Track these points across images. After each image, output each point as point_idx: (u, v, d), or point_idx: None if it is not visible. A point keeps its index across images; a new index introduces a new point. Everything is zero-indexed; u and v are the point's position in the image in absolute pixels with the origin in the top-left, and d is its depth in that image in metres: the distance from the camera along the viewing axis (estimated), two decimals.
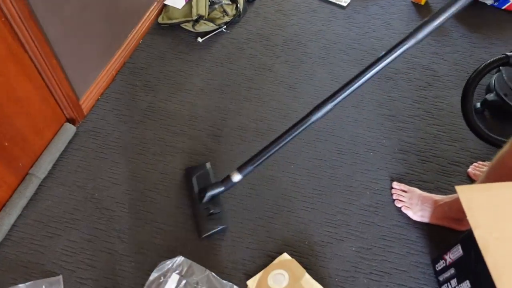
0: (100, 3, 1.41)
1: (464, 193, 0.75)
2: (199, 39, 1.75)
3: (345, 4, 1.95)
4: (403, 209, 1.22)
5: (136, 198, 1.30)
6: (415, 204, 1.21)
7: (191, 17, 1.73)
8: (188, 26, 1.76)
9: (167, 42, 1.75)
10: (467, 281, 0.95)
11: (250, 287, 1.09)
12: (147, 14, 1.77)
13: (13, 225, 1.23)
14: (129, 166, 1.37)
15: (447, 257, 1.05)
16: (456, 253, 1.00)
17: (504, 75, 1.48)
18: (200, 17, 1.73)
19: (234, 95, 1.57)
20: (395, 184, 1.28)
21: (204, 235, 1.18)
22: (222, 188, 1.19)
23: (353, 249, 1.18)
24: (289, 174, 1.35)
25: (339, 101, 1.01)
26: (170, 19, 1.78)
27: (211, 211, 1.20)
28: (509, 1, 1.92)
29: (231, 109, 1.53)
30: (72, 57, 1.36)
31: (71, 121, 1.45)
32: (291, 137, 1.06)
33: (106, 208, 1.27)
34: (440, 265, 1.09)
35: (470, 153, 1.41)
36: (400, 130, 1.47)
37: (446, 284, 1.05)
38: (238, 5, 1.80)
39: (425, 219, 1.20)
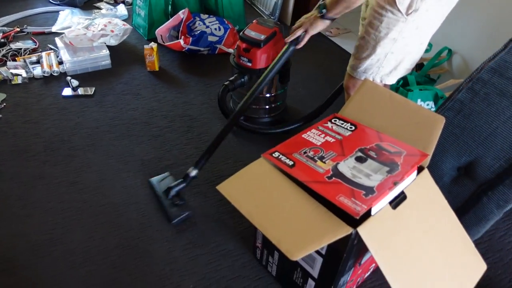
0: None
1: (224, 188, 0.97)
2: None
3: (91, 92, 2.09)
4: None
5: None
6: None
7: None
8: None
9: None
10: (275, 251, 1.18)
11: None
12: None
13: None
14: None
15: (257, 243, 1.27)
16: (259, 236, 1.23)
17: (234, 98, 1.91)
18: None
19: (10, 219, 1.44)
20: None
21: (174, 221, 1.43)
22: (184, 184, 1.47)
23: None
24: None
25: None
26: None
27: (176, 202, 1.47)
28: (217, 48, 2.49)
29: (14, 234, 1.39)
30: None
31: None
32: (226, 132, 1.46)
33: None
34: (258, 253, 1.30)
35: (243, 162, 1.73)
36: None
37: (268, 264, 1.27)
38: None
39: None
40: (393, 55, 1.29)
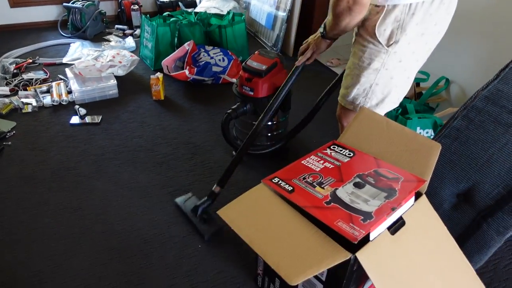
0: None
1: (224, 213, 0.98)
2: None
3: (98, 121, 2.14)
4: None
5: None
6: None
7: None
8: None
9: None
10: (276, 278, 1.18)
11: None
12: None
13: None
14: None
15: (259, 270, 1.27)
16: (260, 263, 1.23)
17: (237, 125, 1.95)
18: None
19: (14, 246, 1.45)
20: None
21: (206, 236, 1.49)
22: (209, 201, 1.53)
23: None
24: None
25: None
26: None
27: (205, 218, 1.54)
28: (221, 78, 2.56)
29: (16, 260, 1.39)
30: None
31: None
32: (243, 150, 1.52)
33: None
34: (259, 280, 1.30)
35: (244, 188, 1.74)
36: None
37: None
38: None
39: None
40: (378, 87, 1.30)
